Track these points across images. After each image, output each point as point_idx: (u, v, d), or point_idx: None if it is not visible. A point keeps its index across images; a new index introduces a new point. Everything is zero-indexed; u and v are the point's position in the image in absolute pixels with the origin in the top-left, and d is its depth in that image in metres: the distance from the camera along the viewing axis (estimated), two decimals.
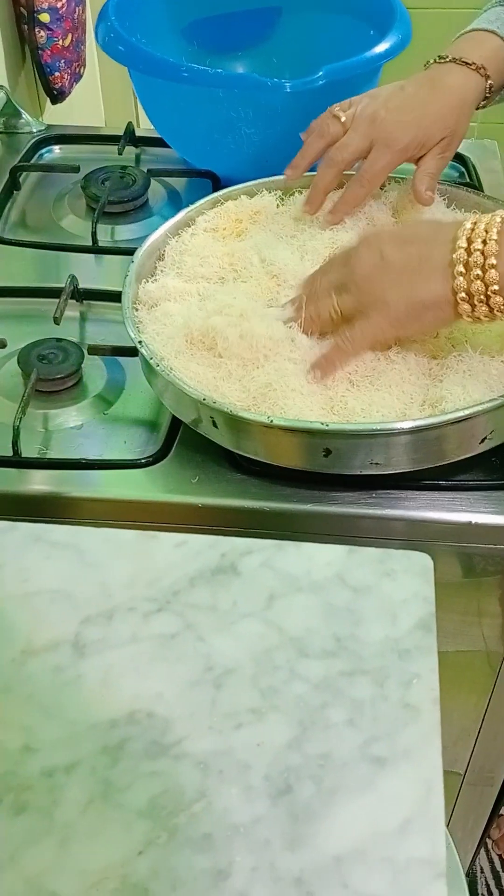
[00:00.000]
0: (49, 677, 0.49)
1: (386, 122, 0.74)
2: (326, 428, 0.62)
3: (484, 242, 0.59)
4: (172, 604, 0.52)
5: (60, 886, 0.41)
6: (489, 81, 0.78)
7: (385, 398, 0.65)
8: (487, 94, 0.79)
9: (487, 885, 1.29)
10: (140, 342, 0.69)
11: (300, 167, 0.80)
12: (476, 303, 0.60)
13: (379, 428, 0.63)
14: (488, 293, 0.60)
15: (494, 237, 0.59)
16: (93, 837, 0.43)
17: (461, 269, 0.60)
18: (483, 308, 0.61)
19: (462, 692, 0.87)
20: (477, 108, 0.80)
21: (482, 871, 1.30)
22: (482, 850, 1.31)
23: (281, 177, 0.84)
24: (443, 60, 0.78)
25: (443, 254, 0.61)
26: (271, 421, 0.63)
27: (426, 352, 0.69)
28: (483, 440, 0.66)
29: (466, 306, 0.61)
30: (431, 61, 0.79)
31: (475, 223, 0.61)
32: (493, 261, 0.59)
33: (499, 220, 0.60)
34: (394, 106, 0.75)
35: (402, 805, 0.44)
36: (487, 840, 1.31)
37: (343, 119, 0.76)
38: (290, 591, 0.53)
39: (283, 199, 0.84)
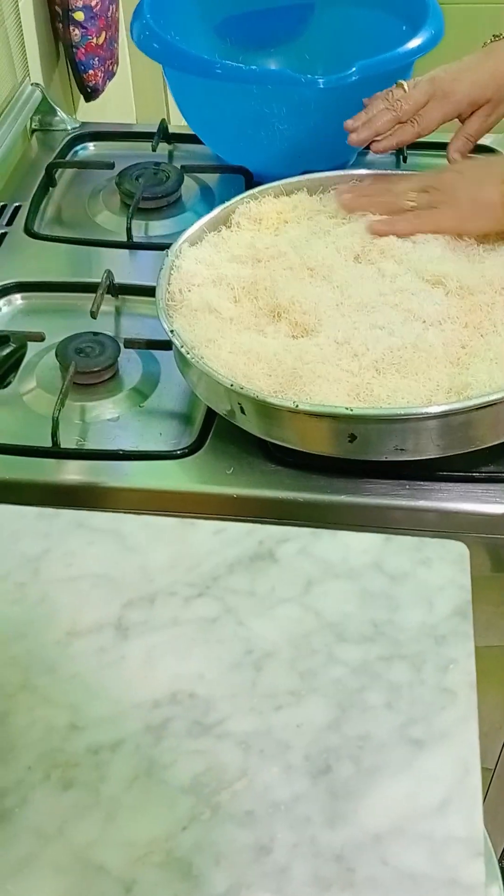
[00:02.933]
0: (93, 658, 0.50)
1: (443, 80, 0.85)
2: (351, 413, 0.63)
3: None
4: (212, 589, 0.53)
5: (107, 859, 0.43)
6: None
7: (411, 385, 0.66)
8: None
9: None
10: (172, 331, 0.70)
11: (363, 134, 0.85)
12: None
13: (403, 413, 0.63)
14: None
15: None
16: (138, 812, 0.44)
17: None
18: None
19: (492, 689, 0.87)
20: None
21: None
22: None
23: (316, 175, 0.85)
24: (498, 38, 0.86)
25: (499, 172, 0.79)
26: (297, 406, 0.64)
27: (453, 340, 0.69)
28: None
29: None
30: (489, 40, 0.87)
31: None
32: None
33: None
34: (451, 68, 0.86)
35: (440, 785, 0.45)
36: None
37: (406, 86, 0.85)
38: (327, 578, 0.54)
39: (319, 198, 0.85)
